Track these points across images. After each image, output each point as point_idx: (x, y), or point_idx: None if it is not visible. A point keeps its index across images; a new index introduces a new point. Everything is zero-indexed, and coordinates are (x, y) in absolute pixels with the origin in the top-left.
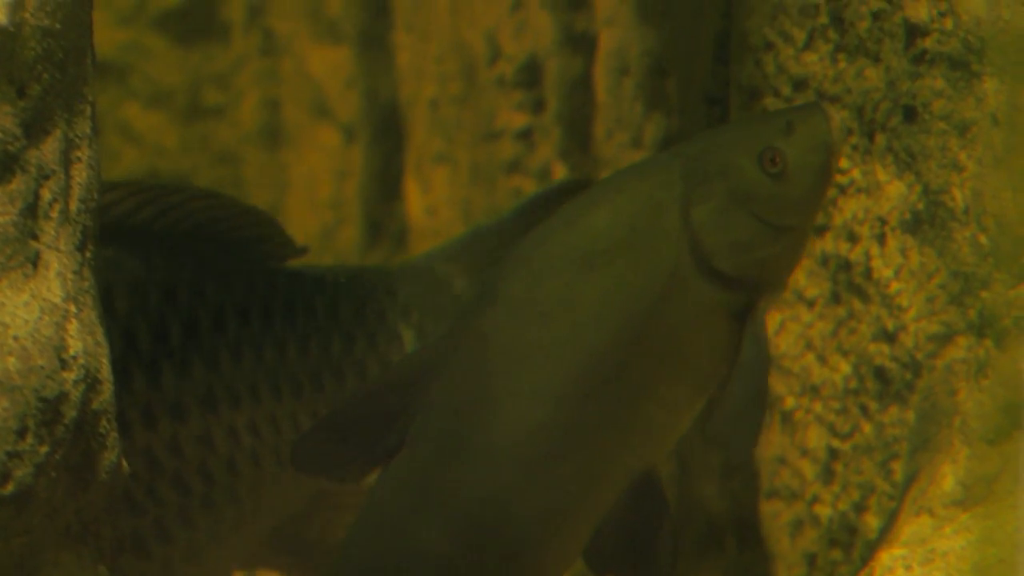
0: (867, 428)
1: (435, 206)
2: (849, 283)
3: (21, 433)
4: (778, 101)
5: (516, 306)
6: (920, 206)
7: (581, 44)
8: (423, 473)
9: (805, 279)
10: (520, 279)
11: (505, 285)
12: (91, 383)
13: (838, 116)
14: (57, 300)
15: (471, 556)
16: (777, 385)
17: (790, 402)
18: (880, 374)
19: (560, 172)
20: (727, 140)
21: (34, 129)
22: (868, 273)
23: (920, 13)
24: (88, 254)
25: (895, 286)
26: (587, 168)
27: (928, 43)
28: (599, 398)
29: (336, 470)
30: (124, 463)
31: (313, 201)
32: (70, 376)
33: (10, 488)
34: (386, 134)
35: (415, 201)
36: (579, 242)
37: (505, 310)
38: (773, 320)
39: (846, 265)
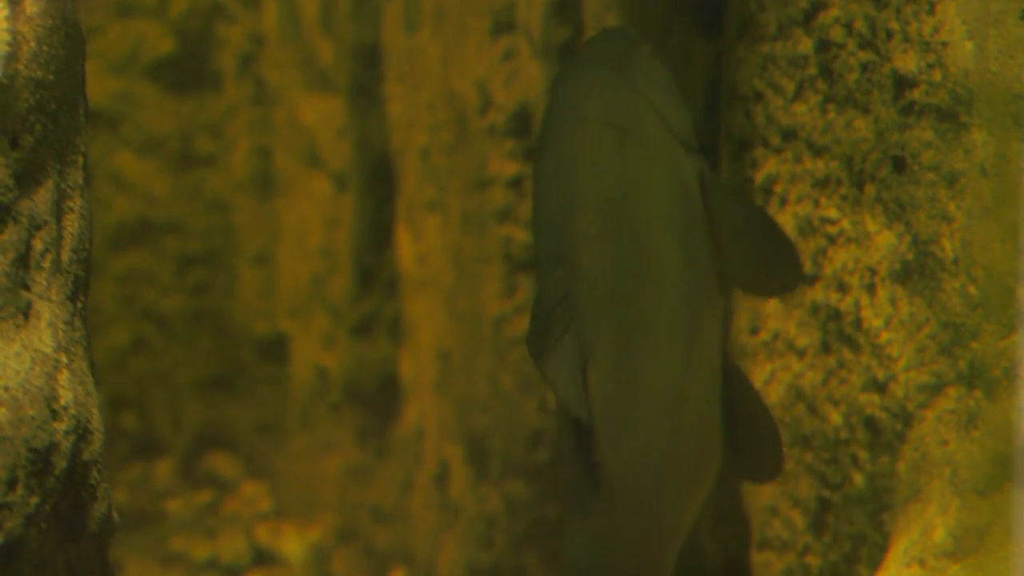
0: (858, 478)
1: (426, 254)
2: (839, 333)
3: (11, 484)
4: (768, 151)
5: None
6: (910, 256)
7: None
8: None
9: (795, 328)
10: (591, 249)
11: (580, 257)
12: (82, 433)
13: None
14: (48, 350)
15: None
16: None
17: None
18: (871, 424)
19: None
20: (620, 50)
21: (26, 180)
22: (858, 323)
23: (908, 65)
24: (80, 304)
25: (885, 336)
26: None
27: (916, 94)
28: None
29: None
30: (115, 514)
31: (304, 249)
32: (61, 426)
33: (0, 539)
34: (377, 183)
35: (406, 249)
36: (603, 189)
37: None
38: (764, 370)
39: (836, 315)
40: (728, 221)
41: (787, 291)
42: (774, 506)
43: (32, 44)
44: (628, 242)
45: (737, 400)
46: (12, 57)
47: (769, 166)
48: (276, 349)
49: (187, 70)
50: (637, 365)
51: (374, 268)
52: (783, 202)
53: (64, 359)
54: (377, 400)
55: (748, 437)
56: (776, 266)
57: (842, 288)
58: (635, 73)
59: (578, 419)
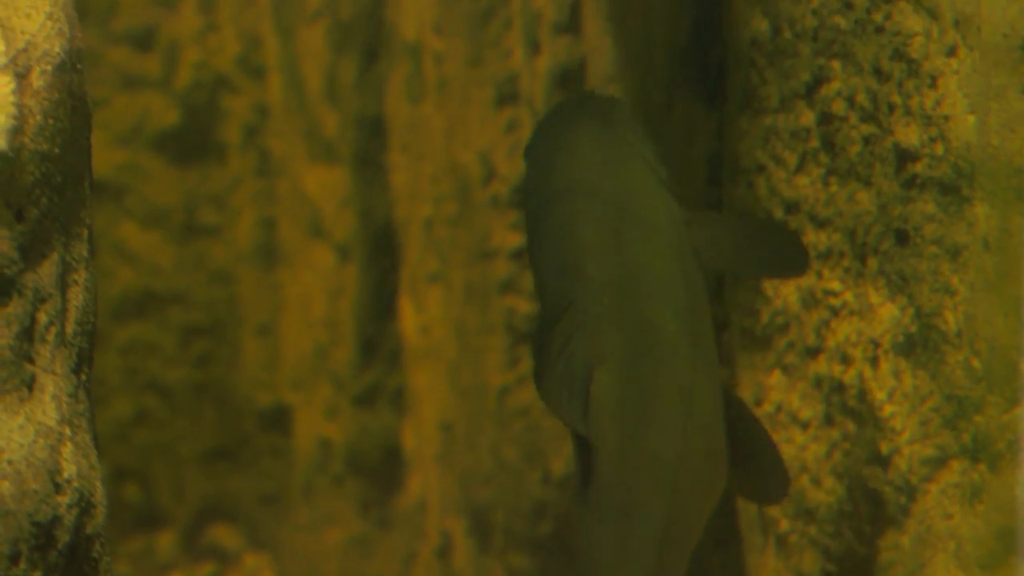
0: (862, 552)
1: (429, 325)
2: (843, 405)
3: (14, 558)
4: None
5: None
6: (913, 329)
7: None
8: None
9: (798, 400)
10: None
11: (585, 267)
12: (85, 507)
13: None
14: (52, 423)
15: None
16: (771, 508)
17: (784, 525)
18: (874, 497)
19: None
20: (599, 105)
21: (31, 253)
22: (862, 395)
23: (911, 138)
24: (84, 376)
25: (888, 409)
26: None
27: (919, 168)
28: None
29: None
30: None
31: (307, 320)
32: (64, 500)
33: None
34: (381, 253)
35: (409, 320)
36: (600, 212)
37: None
38: None
39: (839, 387)
40: (723, 245)
41: (800, 274)
42: None
43: (38, 117)
44: (629, 259)
45: (740, 426)
46: (18, 130)
47: None
48: (279, 420)
49: (192, 142)
50: (647, 369)
51: (377, 339)
52: None
53: (68, 432)
54: (380, 471)
55: (752, 460)
56: (786, 259)
57: (845, 360)
58: (618, 124)
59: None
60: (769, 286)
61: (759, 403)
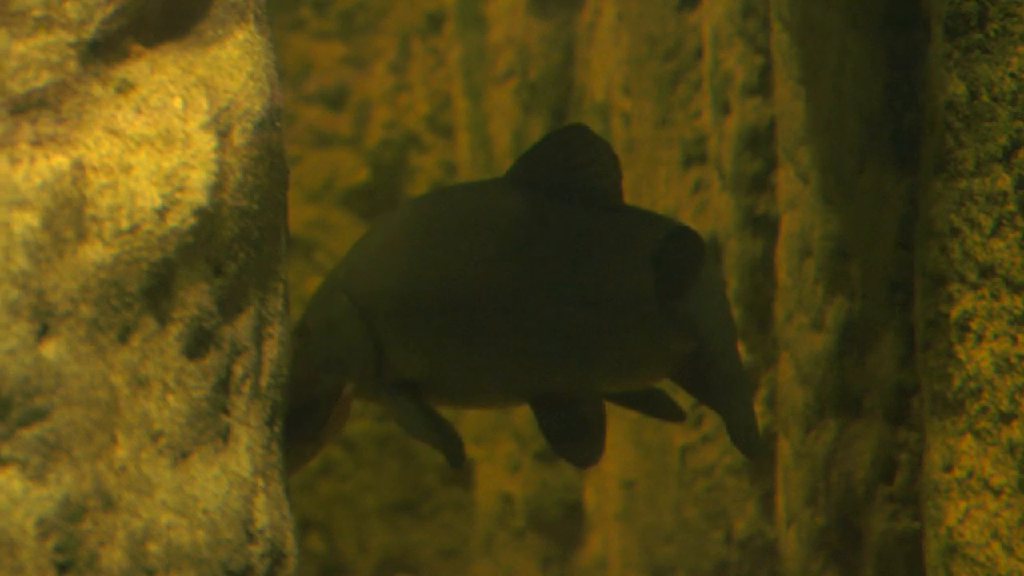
0: None
1: None
2: None
3: None
4: (964, 287)
5: None
6: None
7: (762, 226)
8: None
9: (991, 467)
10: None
11: None
12: (276, 557)
13: None
14: (246, 474)
15: None
16: (961, 574)
17: None
18: None
19: (742, 353)
20: None
21: (229, 306)
22: None
23: None
24: (277, 429)
25: None
26: (767, 350)
27: None
28: None
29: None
30: None
31: None
32: (256, 550)
33: None
34: None
35: None
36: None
37: None
38: (958, 508)
39: None
40: None
41: None
42: None
43: (238, 174)
44: None
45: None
46: (218, 187)
47: (965, 302)
48: (461, 474)
49: (380, 198)
50: None
51: None
52: (979, 339)
53: (261, 483)
54: (561, 527)
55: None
56: None
57: None
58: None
59: None
60: (962, 350)
61: (950, 468)
